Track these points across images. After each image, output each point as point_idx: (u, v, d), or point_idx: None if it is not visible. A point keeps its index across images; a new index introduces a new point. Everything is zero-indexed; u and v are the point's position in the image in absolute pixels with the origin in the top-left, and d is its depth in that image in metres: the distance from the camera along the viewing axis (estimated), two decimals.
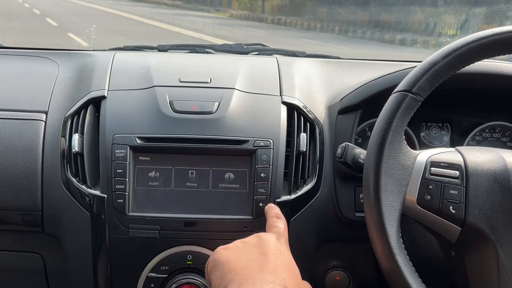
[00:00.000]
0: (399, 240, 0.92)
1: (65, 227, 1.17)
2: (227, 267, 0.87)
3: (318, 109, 1.26)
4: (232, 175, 1.14)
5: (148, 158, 1.14)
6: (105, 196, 1.12)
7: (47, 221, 1.18)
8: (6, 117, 1.22)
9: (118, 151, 1.12)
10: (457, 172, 0.94)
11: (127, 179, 1.11)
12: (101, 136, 1.15)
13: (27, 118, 1.22)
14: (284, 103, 1.22)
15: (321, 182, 1.19)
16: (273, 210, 1.06)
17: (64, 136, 1.19)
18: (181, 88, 1.23)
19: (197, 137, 1.14)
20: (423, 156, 0.97)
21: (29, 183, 1.17)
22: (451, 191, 0.93)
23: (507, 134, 1.31)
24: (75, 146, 1.16)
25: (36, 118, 1.22)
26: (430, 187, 0.94)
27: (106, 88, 1.23)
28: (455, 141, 1.32)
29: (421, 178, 0.94)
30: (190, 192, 1.13)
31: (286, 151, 1.17)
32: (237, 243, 0.93)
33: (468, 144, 1.31)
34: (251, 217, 1.11)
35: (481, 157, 0.96)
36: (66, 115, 1.22)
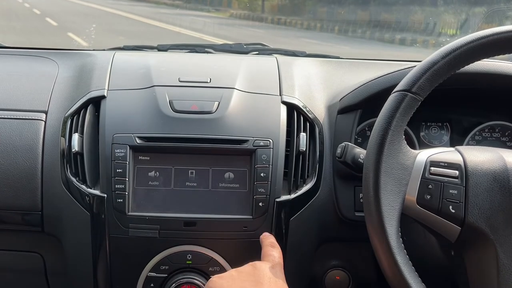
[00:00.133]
0: (398, 240, 0.92)
1: (65, 227, 1.17)
2: None
3: (318, 109, 1.26)
4: (232, 175, 1.14)
5: (148, 158, 1.14)
6: (105, 195, 1.12)
7: (47, 221, 1.18)
8: (6, 116, 1.22)
9: (118, 150, 1.12)
10: (457, 172, 0.94)
11: (127, 179, 1.11)
12: (101, 135, 1.15)
13: (27, 117, 1.22)
14: (284, 102, 1.22)
15: (320, 181, 1.19)
16: (268, 239, 1.06)
17: (64, 135, 1.19)
18: (181, 87, 1.23)
19: (197, 137, 1.14)
20: (423, 155, 0.97)
21: (29, 183, 1.17)
22: (450, 191, 0.93)
23: (506, 133, 1.31)
24: (75, 146, 1.16)
25: (36, 118, 1.22)
26: (430, 186, 0.94)
27: (106, 87, 1.23)
28: (455, 141, 1.32)
29: (421, 178, 0.94)
30: (190, 191, 1.13)
31: (286, 150, 1.17)
32: (232, 272, 0.93)
33: (467, 144, 1.31)
34: (251, 217, 1.11)
35: (481, 156, 0.96)
36: (66, 114, 1.22)
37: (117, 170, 1.11)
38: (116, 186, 1.11)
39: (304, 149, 1.17)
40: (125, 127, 1.15)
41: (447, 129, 1.33)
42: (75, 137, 1.17)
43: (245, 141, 1.14)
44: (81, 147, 1.16)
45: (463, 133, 1.32)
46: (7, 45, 1.57)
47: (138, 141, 1.13)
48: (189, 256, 1.13)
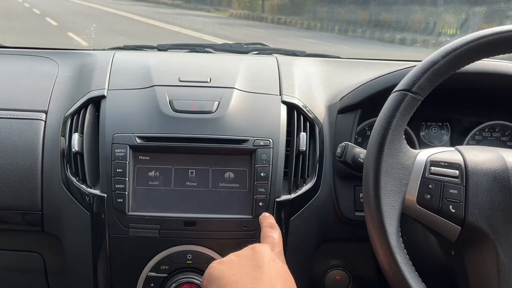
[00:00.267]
0: (398, 240, 0.92)
1: (65, 227, 1.17)
2: (222, 281, 0.86)
3: (318, 109, 1.26)
4: (232, 175, 1.14)
5: (148, 158, 1.14)
6: (105, 195, 1.12)
7: (47, 221, 1.18)
8: (6, 116, 1.22)
9: (118, 150, 1.12)
10: (457, 172, 0.94)
11: (127, 179, 1.11)
12: (101, 135, 1.15)
13: (27, 117, 1.22)
14: (284, 102, 1.22)
15: (321, 181, 1.19)
16: (267, 220, 1.06)
17: (64, 135, 1.19)
18: (181, 87, 1.23)
19: (197, 137, 1.14)
20: (423, 155, 0.97)
21: (29, 183, 1.17)
22: (451, 191, 0.93)
23: (507, 133, 1.31)
24: (75, 146, 1.16)
25: (36, 118, 1.22)
26: (430, 186, 0.94)
27: (106, 87, 1.23)
28: (455, 141, 1.32)
29: (421, 178, 0.94)
30: (190, 191, 1.13)
31: (286, 150, 1.17)
32: (231, 256, 0.92)
33: (468, 144, 1.31)
34: (251, 217, 1.11)
35: (481, 156, 0.96)
36: (66, 114, 1.22)
37: (117, 170, 1.11)
38: (116, 186, 1.11)
39: (304, 149, 1.17)
40: (125, 127, 1.15)
41: (447, 128, 1.33)
42: (75, 137, 1.17)
43: (245, 140, 1.14)
44: (81, 147, 1.16)
45: (463, 133, 1.32)
46: (7, 45, 1.57)
47: (138, 140, 1.13)
48: (189, 256, 1.13)
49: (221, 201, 1.13)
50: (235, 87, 1.24)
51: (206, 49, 1.58)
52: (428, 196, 0.94)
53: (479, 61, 1.01)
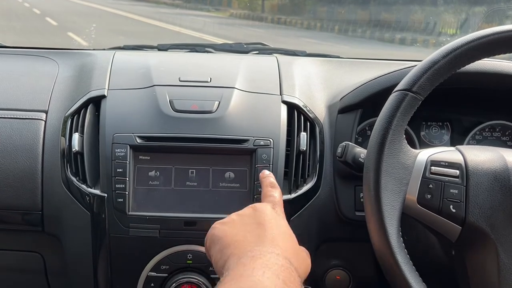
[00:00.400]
0: (399, 239, 0.92)
1: (65, 227, 1.17)
2: (225, 241, 0.87)
3: (318, 108, 1.25)
4: (232, 174, 1.14)
5: (148, 157, 1.14)
6: (105, 195, 1.12)
7: (47, 221, 1.18)
8: (6, 116, 1.22)
9: (118, 150, 1.12)
10: (457, 171, 0.94)
11: (127, 179, 1.11)
12: (101, 135, 1.15)
13: (27, 117, 1.22)
14: (284, 102, 1.22)
15: (321, 181, 1.19)
16: (268, 179, 1.05)
17: (64, 135, 1.19)
18: (181, 87, 1.23)
19: (197, 136, 1.14)
20: (423, 155, 0.97)
21: (29, 183, 1.17)
22: (451, 190, 0.93)
23: (507, 133, 1.31)
24: (75, 146, 1.16)
25: (36, 118, 1.22)
26: (431, 186, 0.94)
27: (106, 87, 1.23)
28: (455, 140, 1.32)
29: (421, 177, 0.94)
30: (190, 191, 1.13)
31: (286, 150, 1.17)
32: (233, 216, 0.93)
33: (468, 143, 1.31)
34: None
35: (481, 156, 0.96)
36: (66, 114, 1.22)
37: (118, 170, 1.11)
38: (117, 185, 1.11)
39: (304, 149, 1.17)
40: (125, 127, 1.15)
41: (448, 128, 1.33)
42: (75, 136, 1.17)
43: (246, 140, 1.14)
44: (81, 147, 1.16)
45: (463, 133, 1.32)
46: (7, 45, 1.57)
47: (139, 140, 1.13)
48: (189, 256, 1.12)
49: (222, 201, 1.13)
50: (235, 87, 1.23)
51: (206, 49, 1.58)
52: (429, 196, 0.94)
53: (480, 61, 1.01)
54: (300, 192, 1.16)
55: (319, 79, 1.35)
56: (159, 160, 1.14)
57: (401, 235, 0.93)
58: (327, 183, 1.19)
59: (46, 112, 1.23)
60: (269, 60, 1.43)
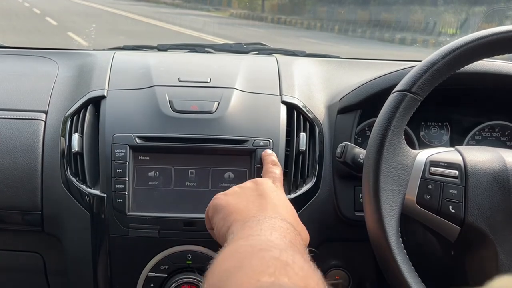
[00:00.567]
0: (398, 240, 0.92)
1: (65, 227, 1.17)
2: (228, 209, 0.88)
3: (318, 109, 1.26)
4: (231, 175, 1.14)
5: (148, 158, 1.14)
6: (105, 195, 1.12)
7: (47, 221, 1.18)
8: (5, 116, 1.22)
9: (117, 150, 1.12)
10: (457, 172, 0.94)
11: (127, 179, 1.11)
12: (101, 135, 1.15)
13: (27, 117, 1.22)
14: (284, 102, 1.22)
15: (320, 181, 1.19)
16: (269, 157, 1.09)
17: (63, 135, 1.19)
18: (181, 87, 1.23)
19: (197, 137, 1.14)
20: (423, 155, 0.97)
21: (29, 183, 1.17)
22: (450, 191, 0.93)
23: (506, 133, 1.31)
24: (75, 146, 1.16)
25: (36, 118, 1.22)
26: (430, 186, 0.94)
27: (106, 87, 1.23)
28: (455, 141, 1.32)
29: (421, 178, 0.95)
30: (189, 191, 1.14)
31: (286, 150, 1.17)
32: (235, 188, 0.95)
33: (467, 144, 1.31)
34: None
35: (481, 156, 0.96)
36: (66, 114, 1.22)
37: (117, 170, 1.11)
38: (116, 186, 1.11)
39: (304, 149, 1.17)
40: (125, 127, 1.15)
41: (447, 129, 1.33)
42: (75, 137, 1.17)
43: (245, 141, 1.14)
44: (81, 147, 1.16)
45: (463, 133, 1.32)
46: (7, 45, 1.57)
47: (138, 141, 1.13)
48: (189, 256, 1.13)
49: None
50: (235, 87, 1.24)
51: (206, 49, 1.58)
52: (428, 196, 0.94)
53: (479, 61, 1.01)
54: (299, 192, 1.16)
55: (319, 79, 1.35)
56: (159, 161, 1.14)
57: (400, 235, 0.93)
58: (327, 183, 1.19)
59: (46, 113, 1.24)
60: (268, 60, 1.43)
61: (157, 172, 1.14)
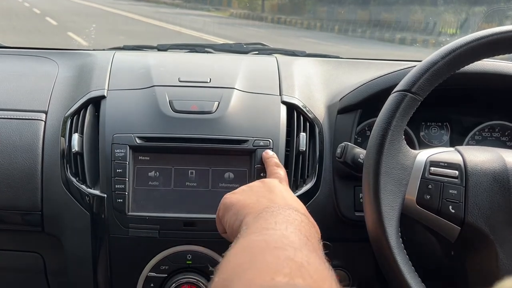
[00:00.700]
0: (398, 240, 0.92)
1: (65, 227, 1.17)
2: (239, 205, 0.88)
3: (318, 109, 1.26)
4: (231, 175, 1.14)
5: (148, 158, 1.14)
6: (105, 195, 1.12)
7: (47, 221, 1.18)
8: (5, 116, 1.22)
9: (117, 150, 1.12)
10: (457, 172, 0.94)
11: (127, 179, 1.11)
12: (101, 135, 1.15)
13: (26, 118, 1.22)
14: (284, 102, 1.22)
15: (320, 181, 1.19)
16: (272, 159, 1.10)
17: (63, 135, 1.19)
18: (181, 87, 1.23)
19: (197, 137, 1.14)
20: (423, 155, 0.97)
21: (29, 183, 1.17)
22: (450, 191, 0.93)
23: (506, 133, 1.31)
24: (75, 146, 1.16)
25: (36, 118, 1.22)
26: (430, 186, 0.94)
27: (106, 87, 1.23)
28: (455, 141, 1.32)
29: (421, 178, 0.95)
30: (189, 191, 1.14)
31: (286, 150, 1.17)
32: (243, 187, 0.96)
33: (467, 144, 1.31)
34: None
35: (481, 156, 0.96)
36: (66, 114, 1.22)
37: (117, 170, 1.11)
38: (116, 186, 1.11)
39: (304, 149, 1.17)
40: (125, 127, 1.15)
41: (447, 129, 1.33)
42: (75, 137, 1.17)
43: (245, 141, 1.14)
44: (81, 147, 1.16)
45: (463, 133, 1.32)
46: (7, 45, 1.57)
47: (138, 141, 1.13)
48: (189, 256, 1.13)
49: None
50: (235, 87, 1.23)
51: (206, 49, 1.58)
52: (428, 197, 0.94)
53: (479, 62, 1.01)
54: (299, 192, 1.16)
55: (319, 80, 1.35)
56: (159, 161, 1.14)
57: (400, 235, 0.93)
58: (327, 183, 1.19)
59: (46, 113, 1.23)
60: (268, 60, 1.43)
61: (157, 172, 1.14)
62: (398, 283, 0.92)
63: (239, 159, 1.15)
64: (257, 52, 1.58)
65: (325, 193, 1.18)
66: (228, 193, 0.95)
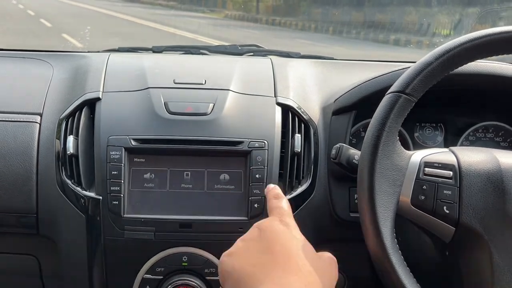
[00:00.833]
0: (393, 241, 0.92)
1: (60, 229, 1.17)
2: (234, 276, 0.80)
3: (313, 110, 1.26)
4: (227, 176, 1.14)
5: (143, 160, 1.14)
6: (100, 198, 1.12)
7: (42, 223, 1.18)
8: (0, 119, 1.22)
9: (113, 152, 1.12)
10: (451, 173, 0.94)
11: (122, 181, 1.11)
12: (96, 138, 1.15)
13: (21, 120, 1.22)
14: (279, 104, 1.23)
15: (315, 183, 1.19)
16: (272, 191, 0.96)
17: (58, 138, 1.19)
18: (176, 89, 1.23)
19: (192, 139, 1.14)
20: (417, 156, 0.97)
21: (24, 185, 1.17)
22: (444, 191, 0.93)
23: (500, 134, 1.32)
24: (70, 148, 1.16)
25: (31, 120, 1.22)
26: (424, 187, 0.94)
27: (101, 90, 1.23)
28: (449, 141, 1.32)
29: (415, 179, 0.95)
30: (185, 193, 1.13)
31: (281, 152, 1.17)
32: (238, 243, 0.84)
33: (461, 144, 1.31)
34: (246, 218, 1.12)
35: (475, 157, 0.96)
36: (61, 117, 1.21)
37: (113, 172, 1.11)
38: (112, 188, 1.11)
39: (299, 150, 1.18)
40: (120, 129, 1.15)
41: (441, 129, 1.33)
42: (70, 139, 1.17)
43: (240, 142, 1.14)
44: (76, 149, 1.16)
45: (457, 134, 1.32)
46: (1, 47, 1.57)
47: (133, 143, 1.13)
48: (184, 258, 1.13)
49: (217, 203, 1.13)
50: (230, 89, 1.24)
51: (201, 50, 1.58)
52: (422, 197, 0.94)
53: (473, 63, 1.02)
54: (294, 193, 1.16)
55: (313, 81, 1.35)
56: (154, 163, 1.14)
57: (395, 236, 0.93)
58: (322, 184, 1.19)
59: (41, 115, 1.23)
60: (263, 62, 1.43)
61: (153, 174, 1.14)
62: (393, 284, 0.92)
63: (234, 161, 1.15)
64: (252, 53, 1.58)
65: (320, 194, 1.19)
66: (224, 254, 0.84)
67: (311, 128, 1.22)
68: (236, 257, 0.82)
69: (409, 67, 0.98)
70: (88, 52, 1.50)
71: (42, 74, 1.34)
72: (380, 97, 0.98)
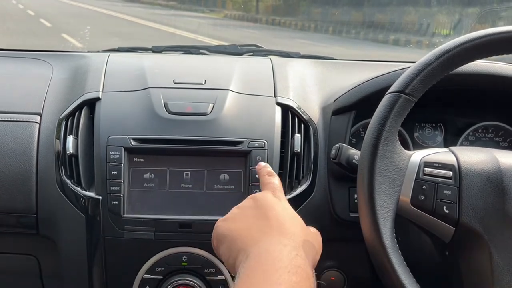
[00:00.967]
0: (393, 241, 0.92)
1: (60, 229, 1.17)
2: (230, 237, 0.85)
3: (312, 110, 1.26)
4: (227, 176, 1.14)
5: (143, 160, 1.14)
6: (100, 197, 1.12)
7: (42, 223, 1.18)
8: (0, 119, 1.22)
9: (112, 152, 1.12)
10: (451, 173, 0.94)
11: (122, 181, 1.11)
12: (96, 137, 1.15)
13: (21, 120, 1.22)
14: (279, 104, 1.23)
15: (315, 183, 1.19)
16: (265, 169, 1.03)
17: (58, 138, 1.19)
18: (176, 89, 1.24)
19: (192, 139, 1.14)
20: (417, 156, 0.97)
21: (23, 185, 1.17)
22: (444, 191, 0.93)
23: (500, 134, 1.32)
24: (70, 148, 1.16)
25: (30, 120, 1.22)
26: (424, 187, 0.94)
27: (101, 89, 1.23)
28: (449, 141, 1.32)
29: (415, 179, 0.95)
30: (185, 193, 1.14)
31: (281, 152, 1.17)
32: (234, 210, 0.91)
33: (461, 144, 1.31)
34: None
35: (474, 157, 0.96)
36: (61, 117, 1.21)
37: (112, 172, 1.11)
38: (111, 188, 1.11)
39: (298, 150, 1.18)
40: (120, 129, 1.15)
41: (441, 129, 1.33)
42: (70, 139, 1.17)
43: (240, 142, 1.14)
44: (76, 149, 1.16)
45: (456, 134, 1.32)
46: (1, 47, 1.57)
47: (133, 143, 1.13)
48: (184, 258, 1.13)
49: (216, 203, 1.13)
50: (230, 88, 1.24)
51: (200, 50, 1.58)
52: (422, 197, 0.94)
53: (473, 63, 1.02)
54: (294, 193, 1.16)
55: (313, 81, 1.35)
56: (154, 162, 1.14)
57: (395, 236, 0.93)
58: (321, 184, 1.19)
59: (41, 115, 1.23)
60: (263, 62, 1.43)
61: (152, 174, 1.14)
62: (393, 284, 0.92)
63: (234, 161, 1.15)
64: (251, 53, 1.58)
65: (320, 194, 1.19)
66: (220, 219, 0.91)
67: (311, 128, 1.22)
68: (232, 221, 0.89)
69: (409, 67, 0.98)
70: (88, 52, 1.51)
71: (42, 74, 1.34)
72: (380, 97, 0.98)
